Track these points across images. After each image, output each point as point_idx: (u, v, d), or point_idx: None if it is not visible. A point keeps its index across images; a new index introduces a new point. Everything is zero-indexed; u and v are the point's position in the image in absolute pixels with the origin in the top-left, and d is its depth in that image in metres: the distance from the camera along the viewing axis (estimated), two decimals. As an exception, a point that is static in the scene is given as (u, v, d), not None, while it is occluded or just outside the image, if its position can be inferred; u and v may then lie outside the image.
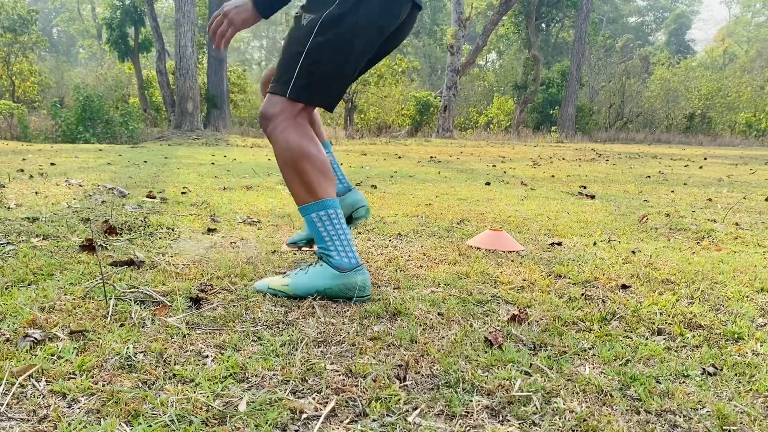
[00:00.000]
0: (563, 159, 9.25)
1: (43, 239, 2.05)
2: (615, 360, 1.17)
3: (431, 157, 9.21)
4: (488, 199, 3.79)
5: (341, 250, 1.59)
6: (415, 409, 0.96)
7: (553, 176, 5.91)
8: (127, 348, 1.14)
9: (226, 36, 1.63)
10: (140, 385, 1.01)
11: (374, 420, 0.93)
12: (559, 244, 2.32)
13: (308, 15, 1.60)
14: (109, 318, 1.30)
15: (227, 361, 1.10)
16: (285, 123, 1.63)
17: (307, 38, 1.59)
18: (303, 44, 1.59)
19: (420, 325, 1.34)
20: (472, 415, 0.95)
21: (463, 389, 1.03)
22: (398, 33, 1.73)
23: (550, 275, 1.81)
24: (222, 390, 1.00)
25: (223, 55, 19.47)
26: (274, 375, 1.06)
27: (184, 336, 1.23)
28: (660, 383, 1.07)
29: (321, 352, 1.18)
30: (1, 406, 0.93)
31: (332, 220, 1.60)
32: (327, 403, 0.97)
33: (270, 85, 1.67)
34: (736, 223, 2.93)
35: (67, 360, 1.08)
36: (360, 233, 2.43)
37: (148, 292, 1.48)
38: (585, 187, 4.72)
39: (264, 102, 1.67)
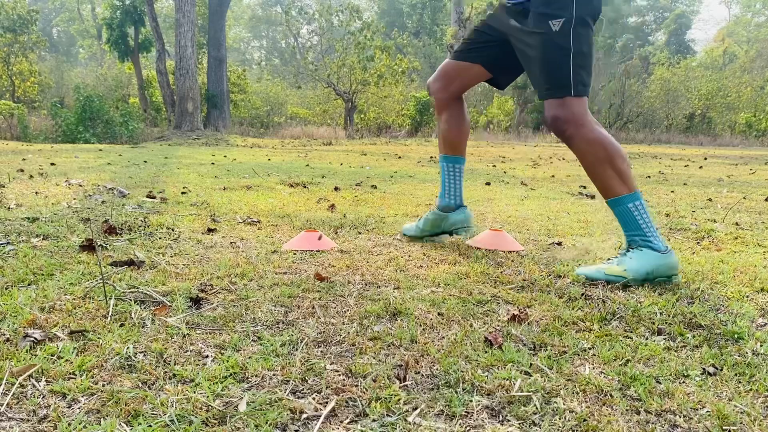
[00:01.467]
0: (563, 159, 9.25)
1: (43, 239, 2.05)
2: (615, 360, 1.17)
3: (431, 157, 9.21)
4: (488, 199, 3.79)
5: (656, 235, 1.75)
6: (415, 409, 0.96)
7: (553, 176, 5.91)
8: (127, 348, 1.14)
9: None
10: (140, 385, 1.01)
11: (374, 420, 0.93)
12: (559, 244, 2.32)
13: (556, 20, 1.76)
14: (109, 318, 1.30)
15: (227, 361, 1.10)
16: (586, 123, 1.80)
17: (568, 39, 1.75)
18: (567, 46, 1.76)
19: (420, 325, 1.34)
20: (472, 415, 0.95)
21: (463, 389, 1.03)
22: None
23: (550, 275, 1.81)
24: (222, 390, 1.00)
25: (223, 55, 19.48)
26: (274, 375, 1.06)
27: (184, 336, 1.23)
28: (660, 383, 1.07)
29: (321, 352, 1.18)
30: (1, 406, 0.93)
31: (644, 208, 1.76)
32: (327, 403, 0.97)
33: (542, 93, 1.84)
34: (736, 223, 2.93)
35: (67, 360, 1.08)
36: (360, 233, 2.43)
37: (148, 292, 1.48)
38: (585, 187, 4.72)
39: (549, 108, 1.82)
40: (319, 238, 2.12)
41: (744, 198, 4.13)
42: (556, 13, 1.75)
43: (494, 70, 2.08)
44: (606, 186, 1.78)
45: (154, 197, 3.29)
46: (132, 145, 12.94)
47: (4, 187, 3.49)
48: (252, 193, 3.78)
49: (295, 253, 2.01)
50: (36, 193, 3.26)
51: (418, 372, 1.10)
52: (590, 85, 1.83)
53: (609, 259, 1.82)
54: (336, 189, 4.13)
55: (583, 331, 1.34)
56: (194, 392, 0.98)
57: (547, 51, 1.79)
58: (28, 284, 1.54)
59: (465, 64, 2.09)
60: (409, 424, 0.92)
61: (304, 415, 0.93)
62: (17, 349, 1.12)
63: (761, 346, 1.26)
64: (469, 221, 2.24)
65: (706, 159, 10.12)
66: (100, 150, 9.12)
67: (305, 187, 4.26)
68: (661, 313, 1.45)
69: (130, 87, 24.02)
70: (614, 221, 2.92)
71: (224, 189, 3.92)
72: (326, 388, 1.02)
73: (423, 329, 1.31)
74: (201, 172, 5.23)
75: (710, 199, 4.01)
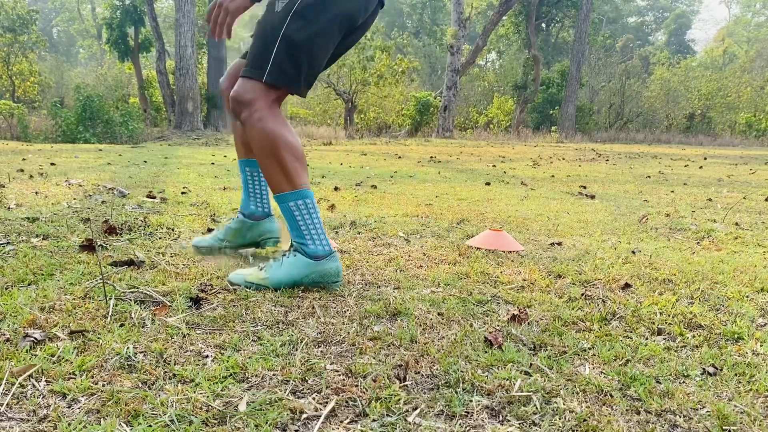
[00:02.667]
0: (563, 159, 9.25)
1: (43, 239, 2.05)
2: (615, 360, 1.17)
3: (431, 157, 9.21)
4: (488, 199, 3.79)
5: (317, 238, 1.63)
6: (415, 409, 0.96)
7: (553, 176, 5.91)
8: (127, 348, 1.14)
9: (226, 23, 1.64)
10: (140, 385, 1.01)
11: (374, 420, 0.93)
12: (559, 244, 2.32)
13: (282, 1, 1.61)
14: (109, 318, 1.30)
15: (227, 361, 1.10)
16: (262, 110, 1.63)
17: (282, 23, 1.60)
18: (278, 29, 1.60)
19: (420, 325, 1.34)
20: (472, 415, 0.95)
21: (463, 389, 1.03)
22: (361, 28, 1.76)
23: (550, 275, 1.81)
24: (222, 390, 1.00)
25: (223, 55, 19.47)
26: (274, 375, 1.06)
27: (184, 336, 1.23)
28: (660, 383, 1.07)
29: (321, 352, 1.18)
30: (1, 406, 0.93)
31: (309, 209, 1.63)
32: (327, 403, 0.97)
33: (243, 70, 1.66)
34: (736, 223, 2.93)
35: (67, 360, 1.08)
36: (360, 233, 2.43)
37: (148, 292, 1.48)
38: (585, 187, 4.72)
39: (237, 86, 1.65)
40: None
41: (744, 198, 4.13)
42: None
43: None
44: (271, 181, 1.66)
45: (154, 197, 3.29)
46: (132, 145, 12.94)
47: (4, 187, 3.49)
48: (252, 193, 3.78)
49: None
50: (36, 193, 3.26)
51: (418, 372, 1.09)
52: (297, 80, 1.67)
53: (271, 263, 1.68)
54: (336, 189, 4.13)
55: (583, 331, 1.34)
56: (194, 392, 0.98)
57: (262, 28, 1.66)
58: (28, 284, 1.54)
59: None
60: (409, 424, 0.92)
61: (304, 415, 0.93)
62: (17, 349, 1.12)
63: (761, 346, 1.25)
64: (279, 232, 2.00)
65: (706, 159, 10.12)
66: (100, 150, 9.12)
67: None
68: (661, 313, 1.45)
69: (130, 87, 24.03)
70: (615, 221, 2.92)
71: (224, 189, 3.92)
72: (326, 388, 1.02)
73: (423, 329, 1.31)
74: (201, 172, 5.23)
75: (710, 199, 4.01)
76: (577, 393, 1.02)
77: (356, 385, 1.03)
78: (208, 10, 1.66)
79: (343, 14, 1.65)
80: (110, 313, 1.32)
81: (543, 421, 0.93)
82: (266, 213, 1.98)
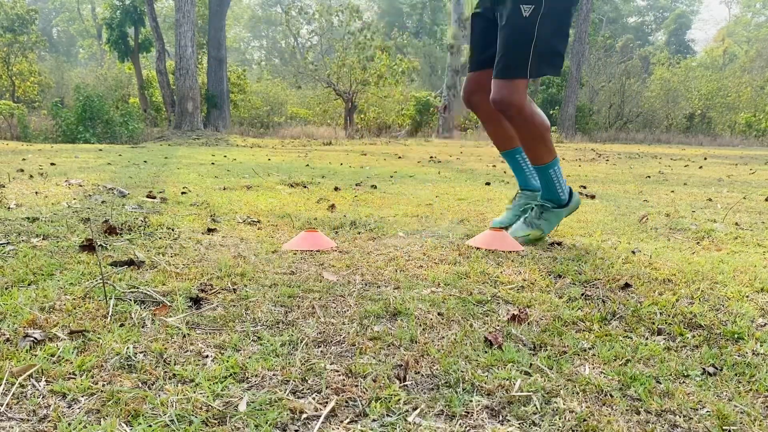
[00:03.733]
0: (563, 159, 9.25)
1: (43, 239, 2.05)
2: (615, 360, 1.17)
3: (431, 157, 9.21)
4: (488, 199, 3.79)
5: (564, 188, 2.25)
6: (415, 409, 0.96)
7: (553, 176, 5.90)
8: (127, 348, 1.14)
9: None
10: (140, 385, 1.01)
11: (374, 420, 0.93)
12: (559, 244, 2.32)
13: (527, 6, 1.95)
14: (109, 318, 1.30)
15: (227, 361, 1.10)
16: (528, 106, 2.05)
17: (533, 27, 1.96)
18: (530, 33, 1.96)
19: (420, 325, 1.34)
20: (472, 415, 0.95)
21: (463, 389, 1.03)
22: None
23: (550, 275, 1.81)
24: (222, 390, 1.00)
25: (223, 55, 19.48)
26: (274, 375, 1.06)
27: (184, 336, 1.23)
28: (660, 383, 1.07)
29: (321, 352, 1.18)
30: (1, 406, 0.93)
31: (559, 170, 2.21)
32: (327, 403, 0.97)
33: (497, 70, 2.04)
34: (736, 223, 2.93)
35: (67, 360, 1.08)
36: (360, 233, 2.43)
37: (148, 292, 1.48)
38: (585, 187, 4.72)
39: (498, 89, 2.04)
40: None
41: (744, 198, 4.13)
42: (527, 1, 1.95)
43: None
44: (537, 156, 2.17)
45: (154, 197, 3.29)
46: (132, 145, 12.94)
47: (4, 187, 3.49)
48: (252, 193, 3.78)
49: (295, 253, 2.01)
50: (36, 193, 3.26)
51: (418, 372, 1.10)
52: (553, 64, 2.06)
53: (538, 222, 2.27)
54: (336, 189, 4.13)
55: (583, 331, 1.34)
56: (194, 392, 0.98)
57: (511, 33, 1.98)
58: (28, 284, 1.54)
59: (483, 72, 2.25)
60: (409, 424, 0.92)
61: (304, 415, 0.93)
62: (17, 349, 1.12)
63: (761, 346, 1.25)
64: None
65: (706, 159, 10.12)
66: (100, 150, 9.12)
67: (305, 187, 4.26)
68: (661, 313, 1.45)
69: (130, 87, 24.03)
70: (615, 221, 2.92)
71: (224, 189, 3.92)
72: (326, 388, 1.02)
73: (423, 329, 1.31)
74: (201, 172, 5.23)
75: (710, 199, 4.01)
76: (577, 393, 1.02)
77: (356, 385, 1.03)
78: None
79: (571, 8, 2.03)
80: (110, 313, 1.32)
81: (543, 421, 0.93)
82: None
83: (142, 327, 1.27)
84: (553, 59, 2.03)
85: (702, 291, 1.64)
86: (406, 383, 1.05)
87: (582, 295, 1.59)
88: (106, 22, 20.45)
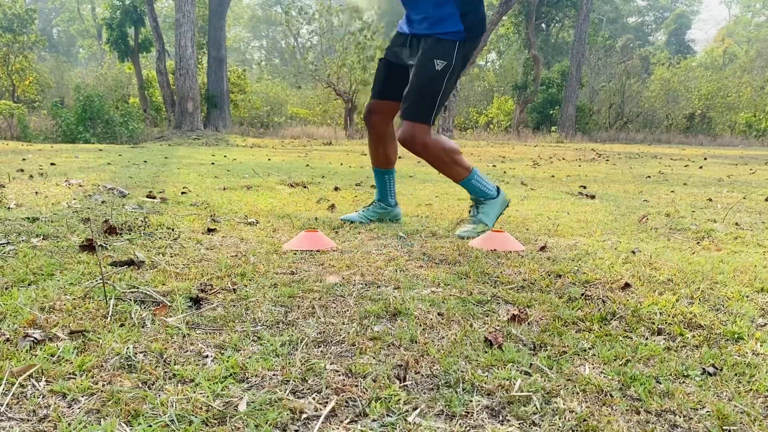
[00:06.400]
0: (563, 159, 9.25)
1: (43, 239, 2.05)
2: (615, 360, 1.17)
3: (431, 157, 9.19)
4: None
5: (490, 188, 2.57)
6: (415, 409, 0.96)
7: (553, 176, 5.91)
8: (127, 348, 1.14)
9: None
10: (140, 385, 1.01)
11: (374, 420, 0.93)
12: (545, 245, 2.32)
13: (440, 61, 2.29)
14: (109, 318, 1.30)
15: (227, 361, 1.10)
16: (432, 140, 2.40)
17: (442, 80, 2.31)
18: (440, 84, 2.31)
19: (420, 325, 1.34)
20: (472, 415, 0.95)
21: (463, 389, 1.03)
22: None
23: (549, 275, 1.81)
24: (222, 390, 1.00)
25: (223, 55, 19.48)
26: (274, 375, 1.06)
27: (184, 336, 1.23)
28: (660, 383, 1.07)
29: (321, 352, 1.18)
30: (1, 406, 0.93)
31: (480, 177, 2.56)
32: (327, 403, 0.97)
33: (405, 112, 2.38)
34: (736, 223, 2.93)
35: (67, 360, 1.08)
36: (360, 233, 2.43)
37: (148, 292, 1.48)
38: (585, 187, 4.72)
39: (406, 128, 2.37)
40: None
41: (744, 198, 4.13)
42: (441, 54, 2.29)
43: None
44: (455, 175, 2.51)
45: (154, 197, 3.29)
46: (132, 145, 12.94)
47: (4, 187, 3.49)
48: (252, 193, 3.78)
49: (295, 253, 2.01)
50: (36, 193, 3.26)
51: (418, 372, 1.09)
52: (439, 115, 2.60)
53: (477, 216, 2.56)
54: (336, 189, 4.13)
55: (583, 331, 1.34)
56: (194, 392, 0.98)
57: (422, 82, 2.31)
58: (28, 284, 1.54)
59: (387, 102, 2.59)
60: (409, 424, 0.92)
61: (304, 415, 0.93)
62: (17, 349, 1.12)
63: (761, 346, 1.25)
64: (401, 214, 2.85)
65: (706, 159, 10.12)
66: (100, 150, 9.12)
67: (305, 187, 4.26)
68: (661, 313, 1.45)
69: (130, 87, 24.03)
70: (614, 221, 2.92)
71: (224, 189, 3.92)
72: (326, 388, 1.02)
73: (423, 329, 1.31)
74: (201, 172, 5.23)
75: (710, 199, 4.01)
76: (577, 393, 1.02)
77: (356, 385, 1.03)
78: None
79: (467, 57, 2.37)
80: (110, 313, 1.32)
81: (543, 421, 0.93)
82: (395, 203, 2.79)
83: (142, 327, 1.27)
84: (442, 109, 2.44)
85: (702, 291, 1.64)
86: (406, 383, 1.05)
87: (582, 295, 1.59)
88: (106, 22, 20.44)
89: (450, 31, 2.28)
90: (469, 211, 2.67)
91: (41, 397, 0.96)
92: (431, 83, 2.29)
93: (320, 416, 0.93)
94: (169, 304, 1.42)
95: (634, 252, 2.16)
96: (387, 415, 0.94)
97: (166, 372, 1.06)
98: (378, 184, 2.74)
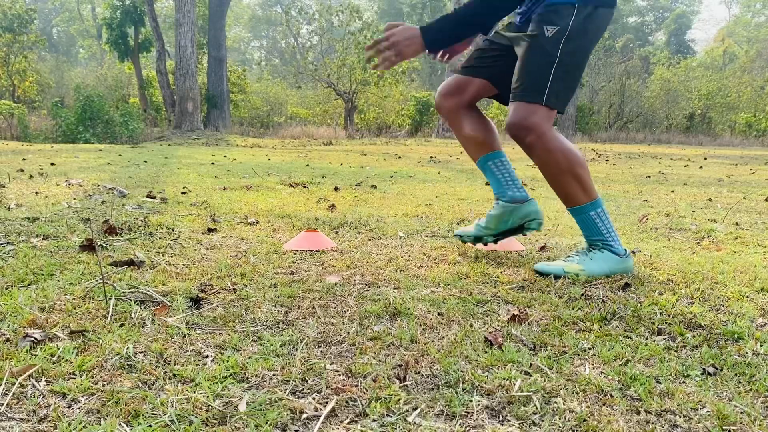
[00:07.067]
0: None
1: (43, 239, 2.05)
2: (615, 360, 1.17)
3: (431, 157, 9.21)
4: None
5: (616, 239, 1.83)
6: (415, 409, 0.96)
7: (553, 176, 5.90)
8: (127, 348, 1.14)
9: (392, 62, 1.76)
10: (140, 385, 1.01)
11: (374, 420, 0.93)
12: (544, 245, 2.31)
13: (550, 27, 1.73)
14: (109, 318, 1.30)
15: (227, 361, 1.10)
16: (551, 132, 1.77)
17: (556, 47, 1.73)
18: (553, 54, 1.73)
19: (420, 325, 1.34)
20: (472, 415, 0.95)
21: (463, 389, 1.03)
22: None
23: (549, 275, 1.81)
24: (222, 390, 1.00)
25: (223, 55, 19.48)
26: (274, 375, 1.06)
27: (184, 336, 1.23)
28: (660, 383, 1.07)
29: (321, 352, 1.18)
30: (1, 406, 0.93)
31: (606, 215, 1.84)
32: (327, 403, 0.97)
33: (515, 93, 1.79)
34: (736, 223, 2.93)
35: (67, 360, 1.08)
36: (360, 233, 2.43)
37: (148, 292, 1.48)
38: (585, 187, 4.71)
39: (515, 111, 1.78)
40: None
41: (744, 198, 4.13)
42: (551, 20, 1.73)
43: (500, 85, 1.99)
44: (567, 194, 1.82)
45: (154, 197, 3.29)
46: (132, 145, 12.94)
47: (4, 187, 3.49)
48: (252, 193, 3.78)
49: (295, 253, 2.01)
50: (36, 193, 3.26)
51: (418, 372, 1.09)
52: (567, 101, 1.80)
53: (568, 256, 1.87)
54: (336, 189, 4.13)
55: (583, 331, 1.34)
56: (194, 392, 0.98)
57: (533, 54, 1.76)
58: (28, 284, 1.54)
59: (471, 79, 2.02)
60: (409, 424, 0.92)
61: (304, 415, 0.93)
62: (17, 349, 1.12)
63: (761, 346, 1.25)
64: (542, 214, 2.06)
65: (706, 159, 10.12)
66: (100, 150, 9.12)
67: (305, 187, 4.26)
68: (661, 313, 1.45)
69: (130, 87, 24.03)
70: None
71: (224, 189, 3.92)
72: (326, 388, 1.02)
73: (423, 329, 1.31)
74: (201, 172, 5.23)
75: (710, 199, 4.01)
76: (577, 393, 1.02)
77: (356, 385, 1.03)
78: (376, 40, 1.78)
79: (595, 37, 1.79)
80: (110, 313, 1.32)
81: (543, 421, 0.93)
82: (526, 197, 2.05)
83: (142, 327, 1.27)
84: (571, 92, 1.81)
85: (702, 291, 1.64)
86: (406, 383, 1.05)
87: (582, 295, 1.59)
88: (106, 22, 20.44)
89: None
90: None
91: (41, 397, 0.96)
92: (539, 55, 1.75)
93: (320, 416, 0.93)
94: (169, 304, 1.42)
95: (634, 252, 2.16)
96: (387, 415, 0.94)
97: (166, 372, 1.06)
98: (487, 176, 2.18)
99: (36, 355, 1.10)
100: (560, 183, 1.81)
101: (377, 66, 1.77)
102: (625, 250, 1.82)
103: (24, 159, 6.24)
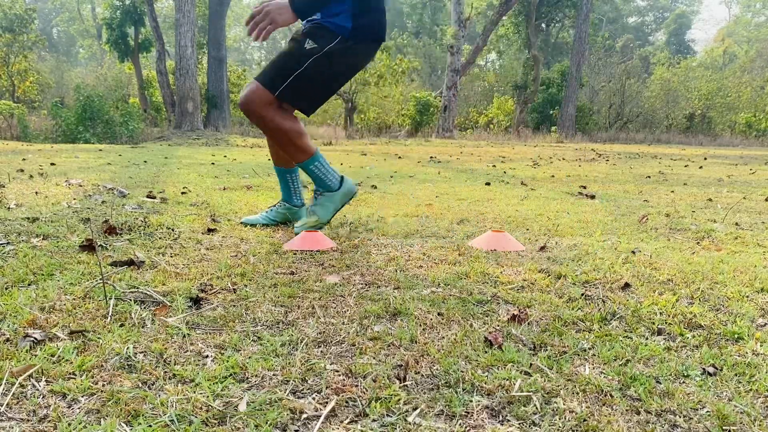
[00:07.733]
0: (563, 159, 9.25)
1: (43, 239, 2.05)
2: (615, 360, 1.17)
3: (431, 157, 9.21)
4: (488, 199, 3.79)
5: (332, 177, 2.38)
6: (415, 409, 0.96)
7: (553, 176, 5.91)
8: (127, 348, 1.14)
9: (267, 30, 2.02)
10: (140, 385, 1.01)
11: (374, 420, 0.93)
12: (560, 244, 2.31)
13: (311, 42, 2.11)
14: (109, 318, 1.30)
15: (227, 361, 1.10)
16: (273, 113, 2.17)
17: (306, 59, 2.11)
18: (301, 63, 2.11)
19: (420, 325, 1.34)
20: (472, 415, 0.95)
21: (463, 389, 1.03)
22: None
23: (549, 275, 1.81)
24: (222, 390, 1.00)
25: (223, 55, 19.48)
26: (274, 375, 1.06)
27: (184, 336, 1.23)
28: (660, 383, 1.07)
29: (321, 352, 1.18)
30: (1, 406, 0.93)
31: (323, 163, 2.37)
32: (327, 403, 0.97)
33: (258, 74, 2.16)
34: (736, 223, 2.93)
35: (67, 360, 1.08)
36: (360, 233, 2.43)
37: (148, 292, 1.48)
38: (585, 187, 4.72)
39: (248, 91, 2.15)
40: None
41: (744, 198, 4.13)
42: (314, 37, 2.13)
43: None
44: (293, 157, 2.33)
45: (154, 197, 3.29)
46: (132, 145, 12.93)
47: (4, 187, 3.49)
48: (252, 193, 3.78)
49: (295, 253, 2.01)
50: (36, 193, 3.26)
51: (418, 372, 1.09)
52: (306, 107, 2.24)
53: (312, 208, 2.41)
54: (336, 189, 4.12)
55: (583, 331, 1.34)
56: (194, 392, 0.98)
57: (288, 56, 2.16)
58: (28, 284, 1.54)
59: None
60: (409, 424, 0.92)
61: (304, 415, 0.93)
62: (17, 349, 1.12)
63: (761, 346, 1.26)
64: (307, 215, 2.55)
65: (706, 159, 10.12)
66: (100, 150, 9.12)
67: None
68: (661, 313, 1.45)
69: (130, 87, 24.03)
70: (614, 221, 2.92)
71: (224, 189, 3.92)
72: (326, 388, 1.02)
73: (423, 329, 1.31)
74: (201, 172, 5.23)
75: (710, 199, 4.01)
76: (577, 393, 1.02)
77: (356, 385, 1.03)
78: (252, 13, 2.03)
79: (354, 65, 2.23)
80: (110, 313, 1.32)
81: (543, 421, 0.93)
82: (302, 204, 2.63)
83: (142, 327, 1.27)
84: (311, 98, 2.23)
85: (702, 291, 1.64)
86: (406, 383, 1.05)
87: (582, 295, 1.59)
88: (106, 22, 20.43)
89: (336, 23, 2.14)
90: (275, 205, 2.59)
91: (41, 397, 0.96)
92: (292, 58, 2.13)
93: (320, 416, 0.93)
94: (169, 304, 1.42)
95: (634, 252, 2.16)
96: (387, 415, 0.94)
97: (166, 372, 1.06)
98: (281, 184, 2.61)
99: (36, 355, 1.10)
100: (284, 149, 2.33)
101: (258, 37, 2.02)
102: (339, 176, 2.40)
103: (24, 159, 6.24)
